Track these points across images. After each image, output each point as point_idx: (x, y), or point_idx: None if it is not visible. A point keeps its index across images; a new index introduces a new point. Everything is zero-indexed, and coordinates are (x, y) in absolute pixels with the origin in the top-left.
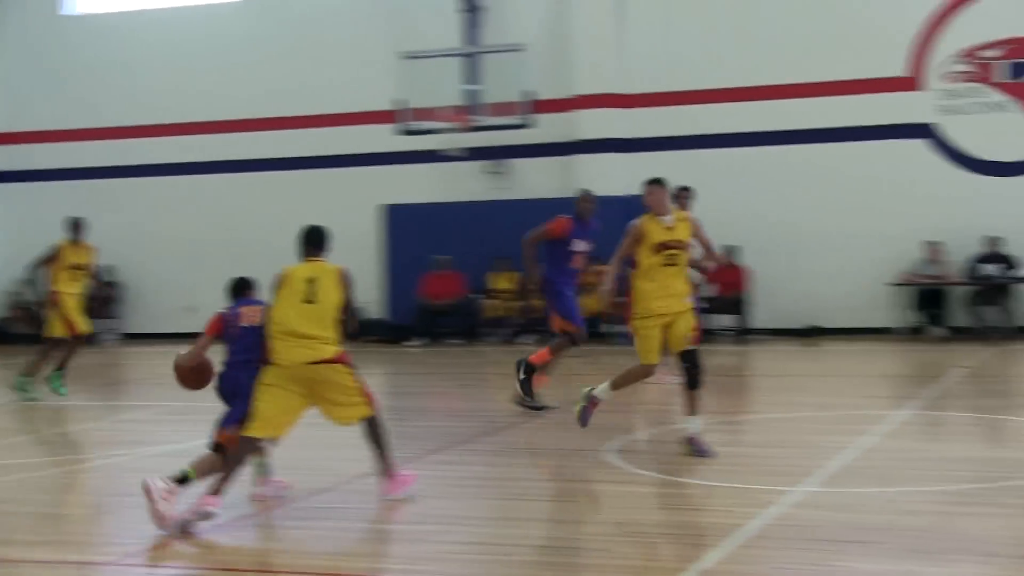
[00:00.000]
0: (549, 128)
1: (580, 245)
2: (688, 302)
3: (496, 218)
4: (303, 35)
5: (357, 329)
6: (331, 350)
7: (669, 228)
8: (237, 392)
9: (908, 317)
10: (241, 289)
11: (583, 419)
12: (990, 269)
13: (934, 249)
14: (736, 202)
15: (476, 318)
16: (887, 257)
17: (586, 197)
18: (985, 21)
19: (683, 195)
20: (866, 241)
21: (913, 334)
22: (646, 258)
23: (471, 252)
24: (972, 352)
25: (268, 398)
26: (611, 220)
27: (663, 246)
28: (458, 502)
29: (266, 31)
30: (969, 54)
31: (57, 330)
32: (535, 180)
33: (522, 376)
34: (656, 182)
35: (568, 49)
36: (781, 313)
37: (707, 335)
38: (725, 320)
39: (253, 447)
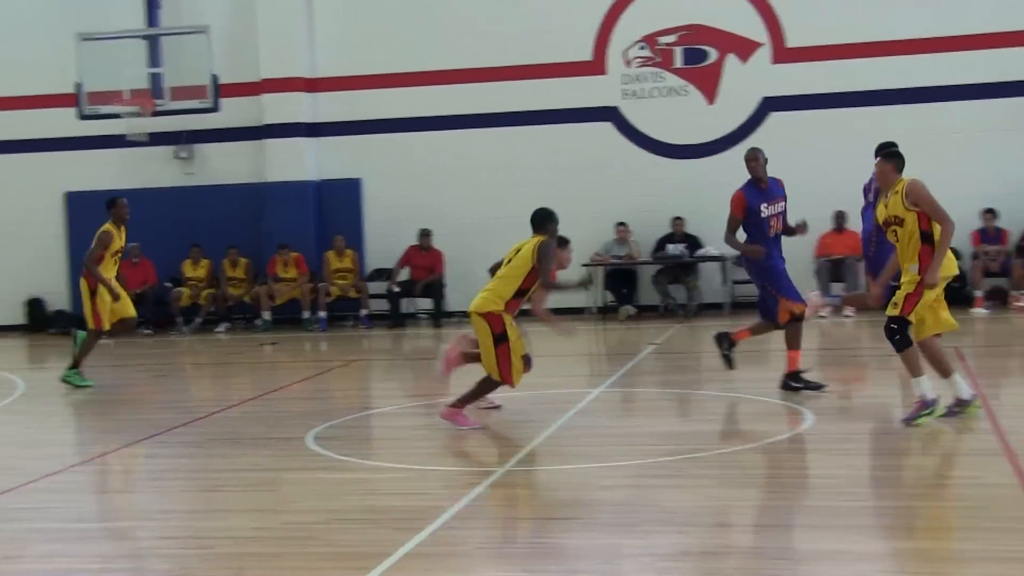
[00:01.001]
0: (236, 112)
1: (768, 209)
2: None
3: (187, 204)
4: None
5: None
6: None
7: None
8: None
9: (600, 297)
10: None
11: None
12: (675, 248)
13: (622, 230)
14: (428, 186)
15: (169, 307)
16: (579, 238)
17: (752, 156)
18: (663, 7)
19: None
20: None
21: (605, 313)
22: None
23: (162, 240)
24: (660, 329)
25: None
26: (300, 205)
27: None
28: (156, 495)
29: None
30: (649, 39)
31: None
32: (225, 165)
33: (725, 351)
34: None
35: (254, 31)
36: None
37: (404, 319)
38: (421, 303)
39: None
